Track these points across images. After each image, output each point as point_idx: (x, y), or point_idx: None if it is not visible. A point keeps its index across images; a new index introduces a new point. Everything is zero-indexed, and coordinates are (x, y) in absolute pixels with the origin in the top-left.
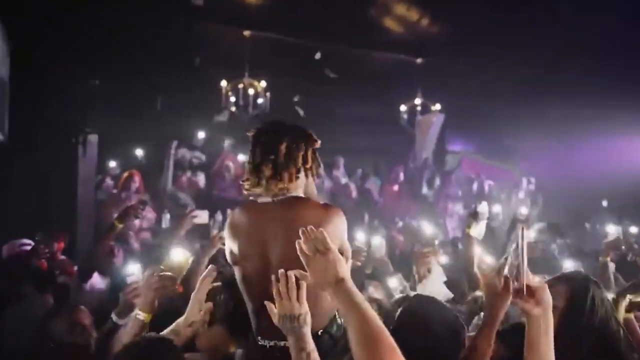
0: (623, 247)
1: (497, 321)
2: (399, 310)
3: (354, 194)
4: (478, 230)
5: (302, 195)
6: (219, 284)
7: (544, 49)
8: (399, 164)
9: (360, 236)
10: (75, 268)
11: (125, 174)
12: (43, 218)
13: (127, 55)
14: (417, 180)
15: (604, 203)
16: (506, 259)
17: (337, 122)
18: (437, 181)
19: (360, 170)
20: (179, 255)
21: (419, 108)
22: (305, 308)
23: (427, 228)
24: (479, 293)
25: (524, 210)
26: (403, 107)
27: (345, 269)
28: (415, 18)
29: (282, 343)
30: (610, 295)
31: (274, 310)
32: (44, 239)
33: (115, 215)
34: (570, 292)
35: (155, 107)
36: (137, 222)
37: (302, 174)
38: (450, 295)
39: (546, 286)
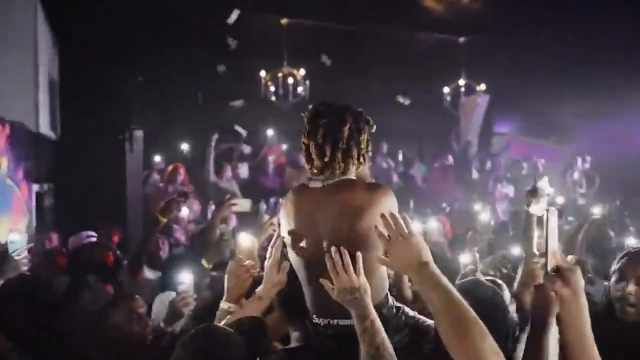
0: None
1: (547, 327)
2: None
3: (395, 178)
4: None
5: (354, 178)
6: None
7: (592, 24)
8: (444, 148)
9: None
10: (125, 262)
11: (171, 168)
12: (94, 213)
13: (167, 52)
14: (465, 164)
15: None
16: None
17: (377, 107)
18: (488, 164)
19: (401, 154)
20: (246, 240)
21: (462, 89)
22: (363, 279)
23: (482, 213)
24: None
25: (560, 200)
26: (446, 89)
27: (428, 252)
28: None
29: (335, 321)
30: None
31: (330, 286)
32: (104, 232)
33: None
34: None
35: (196, 101)
36: (184, 214)
37: (360, 158)
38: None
39: (577, 268)
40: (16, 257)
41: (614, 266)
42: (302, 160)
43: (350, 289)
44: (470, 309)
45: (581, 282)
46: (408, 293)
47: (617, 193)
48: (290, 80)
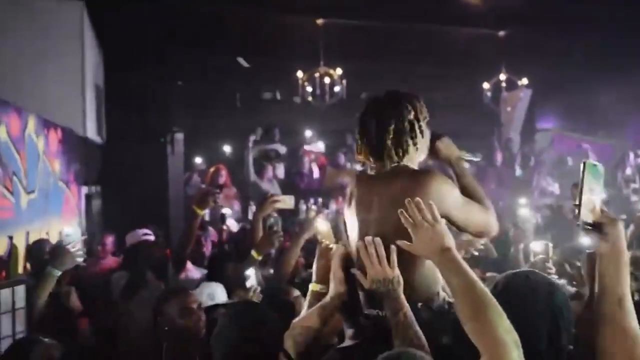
0: None
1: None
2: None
3: None
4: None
5: (407, 165)
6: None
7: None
8: (487, 147)
9: None
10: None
11: (212, 169)
12: (138, 214)
13: (206, 56)
14: (509, 161)
15: None
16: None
17: None
18: (532, 161)
19: None
20: (323, 225)
21: (503, 84)
22: (397, 271)
23: (522, 209)
24: None
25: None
26: (486, 85)
27: (451, 239)
28: None
29: (384, 312)
30: None
31: (362, 277)
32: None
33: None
34: None
35: (234, 103)
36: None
37: (414, 145)
38: None
39: (617, 221)
40: (72, 249)
41: None
42: (342, 159)
43: (384, 280)
44: (489, 293)
45: (621, 236)
46: None
47: None
48: (327, 80)
